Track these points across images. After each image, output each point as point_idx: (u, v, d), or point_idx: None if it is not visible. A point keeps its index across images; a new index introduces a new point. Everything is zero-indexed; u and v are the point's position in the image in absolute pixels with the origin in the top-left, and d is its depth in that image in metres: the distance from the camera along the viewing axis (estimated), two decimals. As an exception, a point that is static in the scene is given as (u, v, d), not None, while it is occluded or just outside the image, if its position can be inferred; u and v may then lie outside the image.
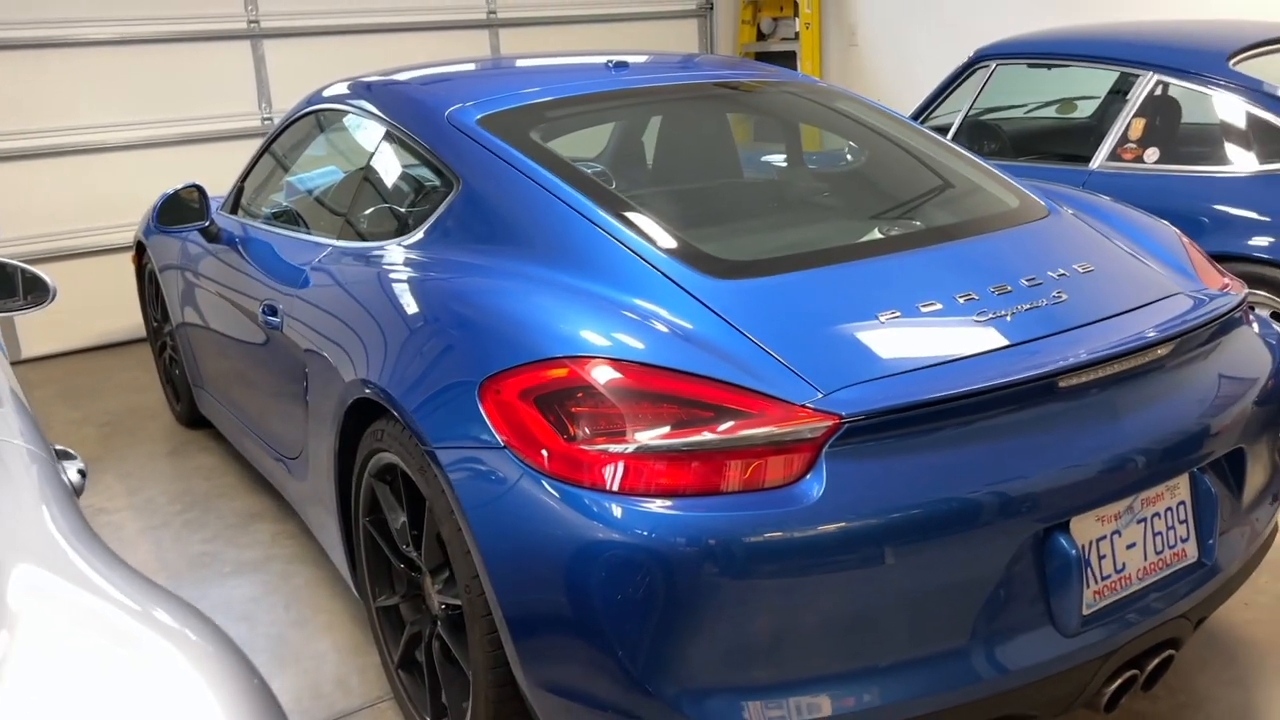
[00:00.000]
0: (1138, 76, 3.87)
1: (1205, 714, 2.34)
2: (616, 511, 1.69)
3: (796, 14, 7.41)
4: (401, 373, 2.09)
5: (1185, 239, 2.52)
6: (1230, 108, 3.63)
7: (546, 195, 2.25)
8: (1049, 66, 4.29)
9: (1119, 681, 1.94)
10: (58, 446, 1.86)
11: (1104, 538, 1.88)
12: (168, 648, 1.16)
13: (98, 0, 5.50)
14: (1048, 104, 4.78)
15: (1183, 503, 2.00)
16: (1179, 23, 4.21)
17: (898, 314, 1.94)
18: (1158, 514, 1.96)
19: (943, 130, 4.49)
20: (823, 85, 3.08)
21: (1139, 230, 2.50)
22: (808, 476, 1.69)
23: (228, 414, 3.63)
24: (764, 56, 7.82)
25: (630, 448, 1.71)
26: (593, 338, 1.86)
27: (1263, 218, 3.40)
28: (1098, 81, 4.16)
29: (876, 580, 1.70)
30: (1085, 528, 1.85)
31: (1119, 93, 4.09)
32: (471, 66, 3.17)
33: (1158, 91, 3.83)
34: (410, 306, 2.20)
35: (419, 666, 2.33)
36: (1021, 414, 1.82)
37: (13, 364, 5.60)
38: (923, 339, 1.90)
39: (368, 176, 2.84)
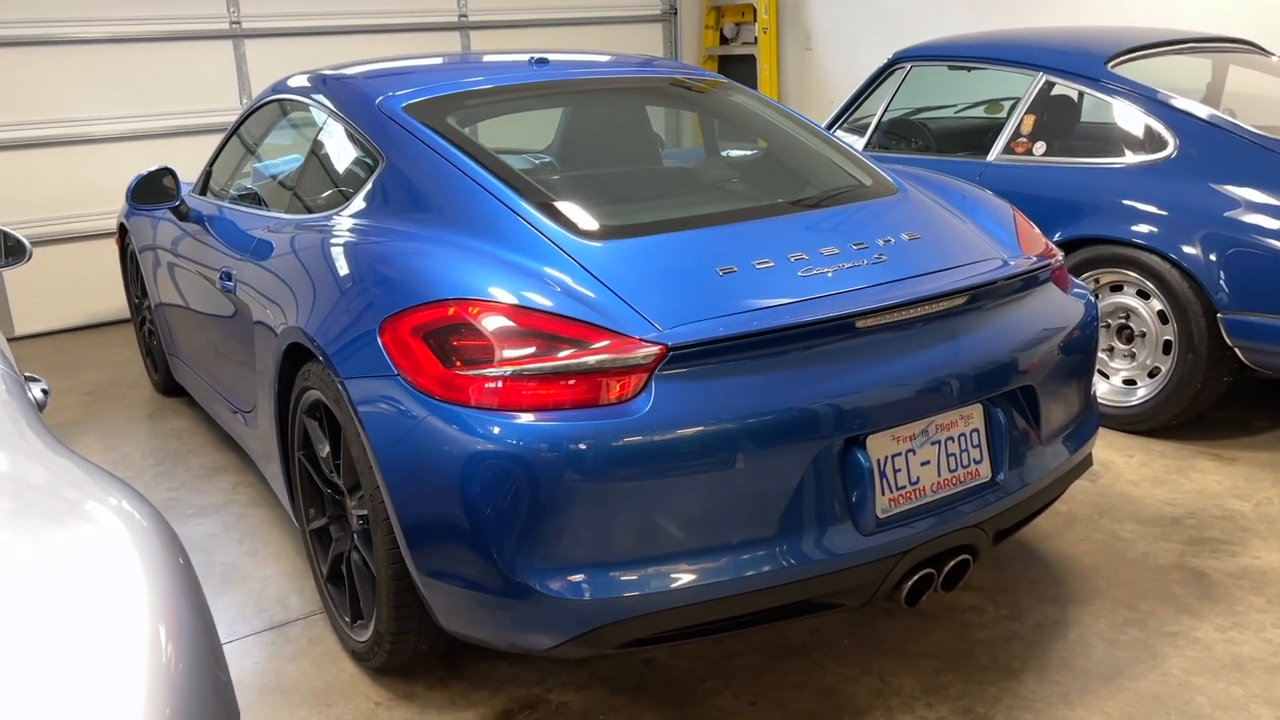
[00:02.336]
0: (1029, 77, 4.25)
1: (1020, 623, 2.71)
2: (485, 424, 2.06)
3: (756, 19, 7.79)
4: (322, 319, 2.47)
5: (1019, 215, 2.88)
6: (1107, 106, 4.00)
7: (453, 170, 2.63)
8: (967, 69, 4.66)
9: (916, 578, 2.30)
10: (26, 374, 2.24)
11: (899, 454, 2.25)
12: (113, 521, 1.46)
13: (87, 0, 5.88)
14: (976, 104, 5.15)
15: (976, 429, 2.37)
16: (1072, 28, 4.58)
17: (735, 269, 2.32)
18: (951, 438, 2.33)
19: (862, 128, 4.87)
20: (723, 81, 3.45)
21: (977, 208, 2.87)
22: (641, 395, 2.06)
23: (197, 378, 4.00)
24: (726, 60, 8.20)
25: (498, 372, 2.08)
26: (475, 284, 2.23)
27: (1131, 205, 3.77)
28: (1003, 82, 4.53)
29: (698, 479, 2.07)
30: (881, 445, 2.22)
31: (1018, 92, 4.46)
32: (416, 62, 3.54)
33: (1046, 91, 4.21)
34: (333, 264, 2.58)
35: (343, 579, 2.70)
36: (826, 348, 2.19)
37: (6, 340, 5.98)
38: (751, 288, 2.27)
39: (312, 157, 3.22)
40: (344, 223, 2.76)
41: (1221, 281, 3.53)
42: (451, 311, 2.18)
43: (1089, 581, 2.90)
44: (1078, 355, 2.62)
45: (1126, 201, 3.79)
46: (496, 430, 2.05)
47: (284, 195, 3.31)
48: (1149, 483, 3.49)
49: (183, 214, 3.86)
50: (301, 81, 3.43)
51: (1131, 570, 2.95)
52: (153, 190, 3.75)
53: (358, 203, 2.81)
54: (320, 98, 3.23)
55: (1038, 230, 2.88)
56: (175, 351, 4.29)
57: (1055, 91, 4.21)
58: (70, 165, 6.04)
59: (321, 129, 3.20)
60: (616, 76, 3.25)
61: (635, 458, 2.03)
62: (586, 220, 2.47)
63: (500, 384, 2.08)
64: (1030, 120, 4.22)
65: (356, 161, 2.97)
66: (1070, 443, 2.64)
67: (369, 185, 2.81)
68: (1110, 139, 3.99)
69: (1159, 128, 3.83)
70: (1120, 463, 3.65)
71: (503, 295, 2.19)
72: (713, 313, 2.17)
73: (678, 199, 2.92)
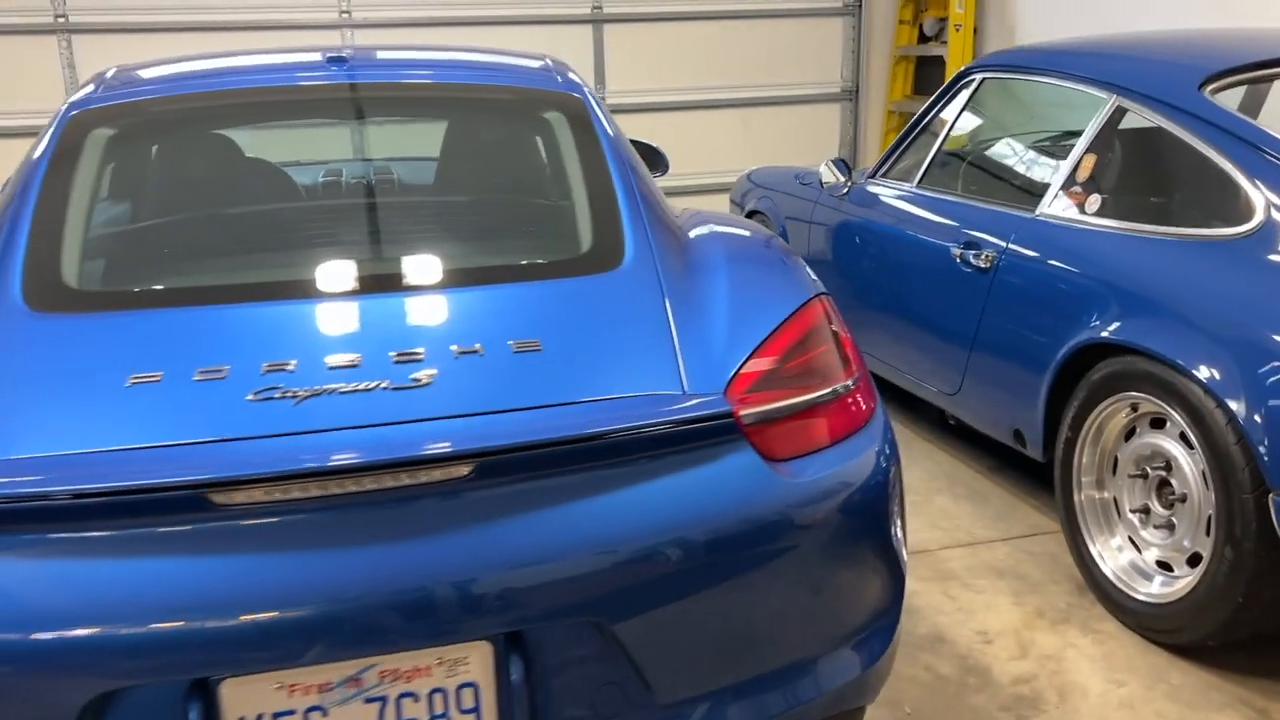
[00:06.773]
0: (1101, 99, 2.96)
1: None
2: None
3: (949, 14, 6.52)
4: None
5: (801, 317, 1.82)
6: (1186, 147, 2.67)
7: (15, 201, 2.05)
8: (1045, 84, 3.38)
9: None
10: None
11: (289, 714, 1.40)
12: None
13: (199, -11, 5.90)
14: (1050, 134, 3.75)
15: (471, 684, 1.45)
16: (1185, 32, 3.18)
17: (159, 377, 1.56)
18: (411, 694, 1.44)
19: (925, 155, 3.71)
20: (551, 97, 2.52)
21: (731, 298, 1.84)
22: None
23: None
24: (921, 61, 6.98)
25: None
26: None
27: (1178, 303, 2.45)
28: (1080, 104, 3.23)
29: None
30: (251, 696, 1.39)
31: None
32: (201, 64, 2.87)
33: (1115, 120, 2.91)
34: None
35: None
36: (170, 532, 1.39)
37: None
38: (142, 414, 1.51)
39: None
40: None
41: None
42: None
43: None
44: (776, 575, 1.60)
45: (1173, 297, 2.49)
46: None
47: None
48: (1107, 739, 2.25)
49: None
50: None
51: None
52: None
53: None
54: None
55: (826, 345, 1.81)
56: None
57: (1126, 122, 2.91)
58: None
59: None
60: (370, 83, 2.47)
61: None
62: (63, 286, 1.81)
63: None
64: (1090, 162, 2.94)
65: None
66: (764, 708, 1.62)
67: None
68: (1180, 197, 2.68)
69: (1245, 186, 2.48)
70: (1096, 691, 2.40)
71: None
72: (40, 450, 1.45)
73: (252, 259, 2.09)
